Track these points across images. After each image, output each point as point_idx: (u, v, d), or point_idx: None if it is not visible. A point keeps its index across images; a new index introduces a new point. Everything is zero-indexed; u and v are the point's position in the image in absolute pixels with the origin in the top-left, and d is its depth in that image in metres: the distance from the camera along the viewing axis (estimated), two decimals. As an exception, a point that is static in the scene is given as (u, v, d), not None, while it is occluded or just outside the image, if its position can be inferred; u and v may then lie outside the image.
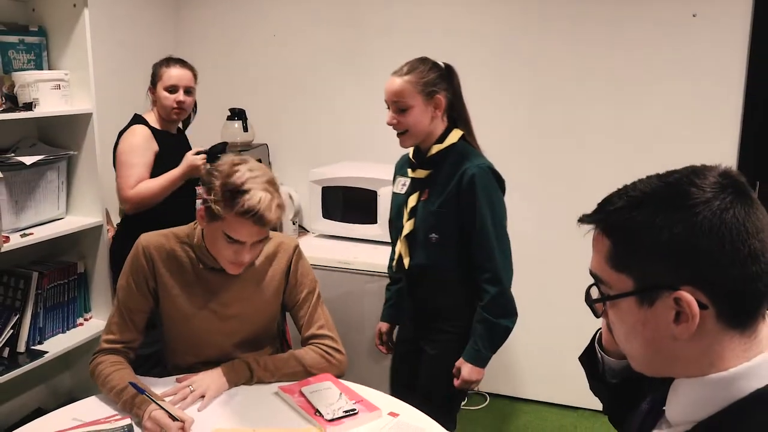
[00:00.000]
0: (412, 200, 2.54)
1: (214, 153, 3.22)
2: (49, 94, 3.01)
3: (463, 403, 3.67)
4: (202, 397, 2.07)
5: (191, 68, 3.47)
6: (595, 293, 1.11)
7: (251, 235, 2.03)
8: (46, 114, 3.05)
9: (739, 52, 3.38)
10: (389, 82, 2.45)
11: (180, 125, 3.57)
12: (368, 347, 3.32)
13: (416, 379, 2.68)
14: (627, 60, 3.56)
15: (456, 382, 2.51)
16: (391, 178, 2.75)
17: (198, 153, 3.23)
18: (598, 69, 3.63)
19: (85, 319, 3.40)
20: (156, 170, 3.24)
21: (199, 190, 3.28)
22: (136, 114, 3.39)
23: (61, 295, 3.27)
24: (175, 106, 3.33)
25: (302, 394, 2.07)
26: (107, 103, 3.46)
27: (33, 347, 3.09)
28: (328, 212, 3.88)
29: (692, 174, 1.00)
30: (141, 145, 3.22)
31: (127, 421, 1.92)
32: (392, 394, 2.20)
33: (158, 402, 1.89)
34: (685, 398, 1.03)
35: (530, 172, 3.78)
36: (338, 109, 4.28)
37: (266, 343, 2.37)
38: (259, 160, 3.99)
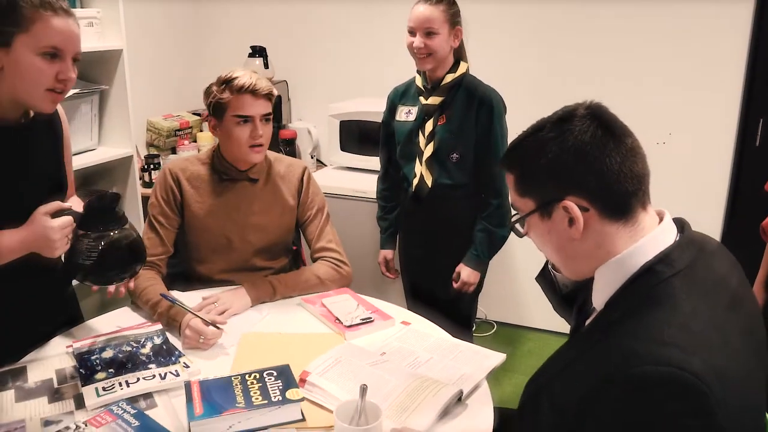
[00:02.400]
0: (429, 125, 2.78)
1: (94, 210, 1.83)
2: (82, 31, 3.14)
3: (472, 330, 3.93)
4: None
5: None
6: None
7: (254, 106, 2.34)
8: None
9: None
10: (420, 9, 2.70)
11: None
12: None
13: (433, 287, 2.99)
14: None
15: (455, 285, 2.84)
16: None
17: (61, 212, 1.79)
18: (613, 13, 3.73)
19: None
20: None
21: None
22: None
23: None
24: (57, 86, 1.77)
25: (323, 305, 2.27)
26: (137, 40, 3.59)
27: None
28: (345, 145, 4.04)
29: (564, 112, 1.29)
30: None
31: (159, 326, 2.08)
32: (410, 307, 2.42)
33: (192, 311, 2.08)
34: (598, 285, 1.30)
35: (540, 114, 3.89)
36: (356, 46, 4.36)
37: (282, 254, 2.61)
38: (279, 97, 4.18)
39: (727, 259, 1.35)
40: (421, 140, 2.82)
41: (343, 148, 4.04)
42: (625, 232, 1.25)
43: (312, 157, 4.34)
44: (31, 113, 1.90)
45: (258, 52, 4.32)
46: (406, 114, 2.90)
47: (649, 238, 1.25)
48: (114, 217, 1.84)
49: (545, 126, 1.30)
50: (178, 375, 1.82)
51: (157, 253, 2.38)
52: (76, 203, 1.95)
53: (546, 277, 1.57)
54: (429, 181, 2.83)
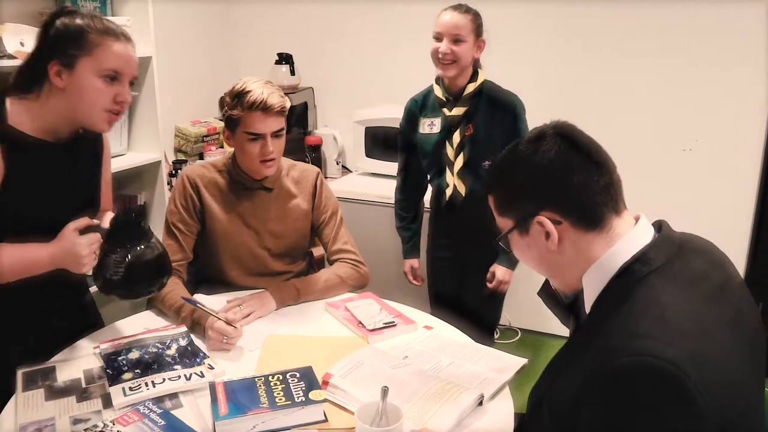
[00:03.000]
0: (457, 136, 2.83)
1: (120, 225, 1.86)
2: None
3: (496, 337, 3.96)
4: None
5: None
6: None
7: (265, 123, 2.32)
8: (111, 57, 3.24)
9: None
10: (449, 16, 2.76)
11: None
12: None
13: (460, 292, 3.08)
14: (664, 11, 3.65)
15: (491, 284, 2.90)
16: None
17: (89, 228, 1.81)
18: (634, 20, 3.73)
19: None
20: (11, 198, 1.82)
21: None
22: None
23: (125, 226, 3.48)
24: (114, 107, 1.84)
25: (347, 309, 2.29)
26: (166, 47, 3.64)
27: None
28: (371, 152, 4.07)
29: (535, 133, 1.36)
30: None
31: (184, 328, 2.11)
32: (433, 312, 2.44)
33: (213, 313, 2.10)
34: (586, 292, 1.34)
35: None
36: (381, 53, 4.39)
37: (300, 257, 2.64)
38: (305, 104, 4.22)
39: (712, 256, 1.39)
40: (450, 151, 2.87)
41: (368, 154, 4.07)
42: (600, 239, 1.32)
43: (337, 163, 4.37)
44: (80, 130, 1.96)
45: (284, 59, 4.36)
46: (430, 126, 2.94)
47: (625, 240, 1.31)
48: (140, 231, 1.88)
49: (518, 147, 1.38)
50: (203, 376, 1.85)
51: (177, 259, 2.40)
52: (108, 218, 1.98)
53: (547, 291, 1.60)
54: (462, 191, 2.88)
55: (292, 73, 4.37)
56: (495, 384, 1.83)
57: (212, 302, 2.24)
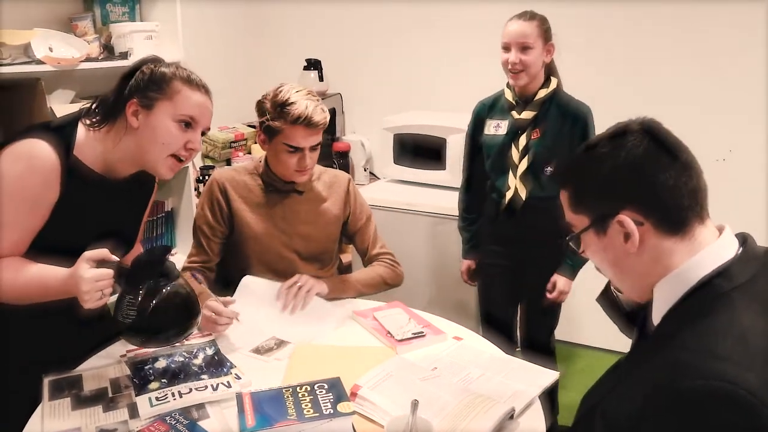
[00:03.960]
0: (523, 139, 2.84)
1: (142, 265, 1.73)
2: (142, 44, 3.20)
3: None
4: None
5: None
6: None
7: (306, 139, 2.32)
8: (140, 62, 3.25)
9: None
10: (515, 25, 2.77)
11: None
12: (437, 283, 3.50)
13: (513, 298, 3.10)
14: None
15: (552, 295, 2.88)
16: (464, 125, 3.03)
17: (103, 262, 1.67)
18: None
19: (172, 254, 3.62)
20: (56, 223, 1.83)
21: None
22: (63, 121, 1.93)
23: (151, 231, 3.51)
24: (183, 153, 1.89)
25: (375, 318, 2.26)
26: (194, 52, 3.64)
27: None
28: (399, 159, 4.04)
29: (618, 128, 1.29)
30: (30, 188, 1.77)
31: (211, 337, 2.10)
32: (485, 318, 2.44)
33: (212, 294, 2.15)
34: (657, 301, 1.27)
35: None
36: (409, 59, 4.37)
37: (329, 263, 2.63)
38: (333, 110, 4.21)
39: None
40: (515, 154, 2.86)
41: (396, 161, 4.04)
42: (682, 246, 1.24)
43: (365, 170, 4.35)
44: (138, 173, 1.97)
45: (313, 65, 4.35)
46: (495, 128, 2.95)
47: (708, 251, 1.23)
48: (163, 272, 1.73)
49: (599, 142, 1.31)
50: (229, 386, 1.83)
51: (199, 260, 2.44)
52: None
53: (608, 298, 1.55)
54: (523, 194, 2.87)
55: (321, 79, 4.36)
56: (526, 397, 1.80)
57: (263, 285, 2.35)
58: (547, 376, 1.92)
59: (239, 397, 1.74)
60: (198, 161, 4.07)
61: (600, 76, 3.81)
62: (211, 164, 4.04)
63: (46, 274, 1.76)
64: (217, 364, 1.94)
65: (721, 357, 1.07)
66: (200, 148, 1.94)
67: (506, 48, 2.78)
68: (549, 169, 2.81)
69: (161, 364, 1.93)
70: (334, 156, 4.18)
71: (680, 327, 1.18)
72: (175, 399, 1.77)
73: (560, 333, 4.16)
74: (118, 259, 1.71)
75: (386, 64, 4.45)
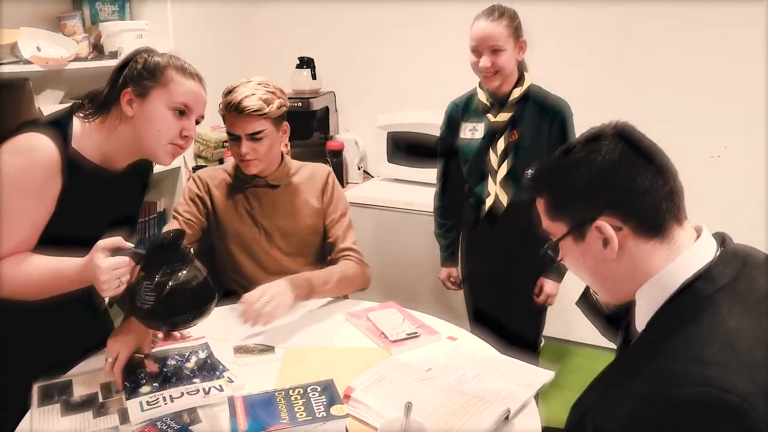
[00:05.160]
0: (501, 143, 2.73)
1: (156, 250, 1.72)
2: (132, 43, 3.17)
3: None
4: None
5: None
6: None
7: (239, 125, 2.36)
8: (130, 62, 3.23)
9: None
10: (484, 27, 2.61)
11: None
12: (431, 283, 3.48)
13: (500, 308, 2.98)
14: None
15: (540, 299, 2.84)
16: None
17: (118, 250, 1.67)
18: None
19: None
20: (60, 216, 1.84)
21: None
22: (57, 115, 1.93)
23: (143, 231, 3.50)
24: (179, 141, 1.90)
25: (369, 319, 2.24)
26: (185, 51, 3.61)
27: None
28: (393, 157, 4.02)
29: (592, 132, 1.28)
30: (34, 181, 1.76)
31: (203, 340, 2.07)
32: (473, 330, 2.39)
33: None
34: (639, 307, 1.26)
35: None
36: (403, 57, 4.35)
37: (314, 258, 2.62)
38: (327, 107, 4.19)
39: None
40: (494, 159, 2.76)
41: (390, 160, 4.03)
42: (661, 250, 1.24)
43: (359, 169, 4.33)
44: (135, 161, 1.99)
45: (306, 63, 4.33)
46: (471, 131, 2.83)
47: (688, 254, 1.23)
48: (178, 257, 1.72)
49: (573, 148, 1.29)
50: (221, 390, 1.81)
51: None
52: None
53: (588, 301, 1.54)
54: (504, 201, 2.78)
55: (314, 77, 4.33)
56: (521, 398, 1.78)
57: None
58: (541, 376, 1.91)
59: (231, 401, 1.71)
60: (191, 161, 4.04)
61: (593, 70, 3.80)
62: (203, 164, 4.02)
63: (61, 267, 1.75)
64: (210, 368, 1.92)
65: (709, 363, 1.06)
66: (195, 135, 1.95)
67: (475, 51, 2.65)
68: (530, 171, 2.73)
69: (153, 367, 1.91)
70: (328, 155, 4.16)
71: (666, 334, 1.17)
72: (166, 403, 1.75)
73: (553, 331, 4.18)
74: (133, 246, 1.70)
75: (380, 63, 4.43)
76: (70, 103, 1.97)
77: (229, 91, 2.37)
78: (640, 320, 1.27)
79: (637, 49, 3.69)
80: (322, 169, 2.64)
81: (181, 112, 1.88)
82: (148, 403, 1.74)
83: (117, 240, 1.69)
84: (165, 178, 3.56)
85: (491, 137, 2.76)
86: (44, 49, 2.89)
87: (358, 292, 2.54)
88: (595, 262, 1.29)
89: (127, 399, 1.76)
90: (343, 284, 2.44)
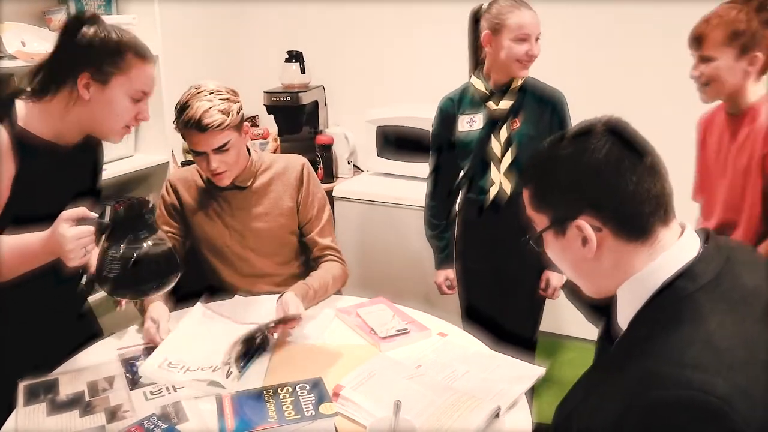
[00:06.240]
0: (504, 131, 2.71)
1: (121, 219, 1.73)
2: (118, 37, 3.16)
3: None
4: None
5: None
6: None
7: (202, 143, 2.24)
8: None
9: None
10: (532, 14, 2.61)
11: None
12: (421, 278, 3.47)
13: (497, 301, 2.94)
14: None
15: (548, 292, 2.83)
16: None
17: (81, 221, 1.68)
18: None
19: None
20: (18, 196, 1.81)
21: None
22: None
23: (133, 227, 3.45)
24: (133, 123, 1.92)
25: (358, 315, 2.23)
26: (173, 46, 3.59)
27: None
28: (383, 151, 4.00)
29: (582, 127, 1.25)
30: None
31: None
32: (467, 318, 2.38)
33: None
34: (620, 305, 1.25)
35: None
36: (393, 51, 4.31)
37: (292, 258, 2.57)
38: (316, 102, 4.16)
39: (760, 267, 1.28)
40: (497, 147, 2.72)
41: (380, 154, 4.01)
42: (643, 250, 1.21)
43: (349, 163, 4.31)
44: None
45: (295, 57, 4.30)
46: (470, 123, 2.78)
47: (670, 253, 1.20)
48: (142, 226, 1.74)
49: (562, 141, 1.27)
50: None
51: None
52: None
53: (571, 287, 1.52)
54: (508, 189, 2.74)
55: (303, 71, 4.30)
56: (512, 395, 1.77)
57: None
58: (532, 373, 1.90)
59: (219, 400, 1.71)
60: (179, 157, 4.02)
61: (590, 69, 3.79)
62: (192, 159, 3.99)
63: (25, 242, 1.72)
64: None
65: (689, 365, 1.04)
66: (149, 117, 1.92)
67: (523, 39, 2.60)
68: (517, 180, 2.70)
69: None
70: (318, 149, 4.14)
71: (647, 334, 1.15)
72: (170, 393, 1.77)
73: (546, 325, 4.15)
74: (97, 216, 1.69)
75: (369, 56, 4.41)
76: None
77: (183, 107, 2.23)
78: (622, 318, 1.26)
79: (637, 49, 3.67)
80: (296, 162, 2.55)
81: (139, 98, 1.86)
82: (152, 393, 1.80)
83: (81, 210, 1.68)
84: (153, 173, 3.54)
85: (491, 126, 2.73)
86: (29, 44, 2.86)
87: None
88: (574, 258, 1.28)
89: (131, 389, 1.83)
90: (333, 288, 2.45)
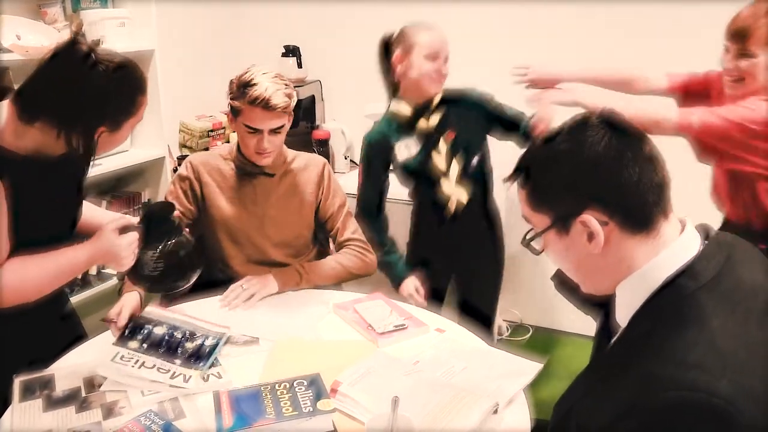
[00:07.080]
0: (443, 144, 2.69)
1: (153, 222, 1.91)
2: (114, 31, 3.14)
3: (506, 334, 3.90)
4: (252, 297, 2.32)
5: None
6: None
7: (264, 121, 2.30)
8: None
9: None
10: (439, 35, 2.67)
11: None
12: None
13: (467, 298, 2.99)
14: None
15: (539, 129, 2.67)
16: None
17: (125, 229, 1.83)
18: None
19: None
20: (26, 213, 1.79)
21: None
22: None
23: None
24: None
25: (356, 311, 2.22)
26: (169, 40, 3.58)
27: (103, 270, 3.30)
28: (380, 146, 3.97)
29: (576, 121, 1.23)
30: None
31: (226, 328, 2.07)
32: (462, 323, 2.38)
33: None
34: (620, 302, 1.24)
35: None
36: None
37: (304, 250, 2.60)
38: (312, 97, 4.15)
39: (761, 263, 1.27)
40: (440, 163, 2.69)
41: (377, 149, 3.98)
42: (647, 244, 1.20)
43: (345, 158, 4.31)
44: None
45: (291, 51, 4.29)
46: (407, 149, 2.75)
47: (671, 250, 1.19)
48: (171, 226, 1.94)
49: (557, 136, 1.24)
50: (187, 381, 1.79)
51: None
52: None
53: (561, 278, 1.50)
54: (464, 198, 2.73)
55: (299, 65, 4.30)
56: (510, 391, 1.76)
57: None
58: (530, 368, 1.89)
59: (216, 396, 1.70)
60: (175, 151, 4.01)
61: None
62: (188, 154, 3.98)
63: (68, 258, 1.79)
64: (197, 357, 1.90)
65: (693, 366, 1.04)
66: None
67: (434, 57, 2.62)
68: (476, 159, 2.71)
69: (160, 330, 1.99)
70: (314, 144, 4.13)
71: (649, 333, 1.14)
72: (138, 368, 1.81)
73: (540, 320, 4.17)
74: (137, 222, 1.87)
75: (366, 51, 4.37)
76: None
77: (248, 83, 2.27)
78: (621, 315, 1.25)
79: (633, 49, 3.67)
80: (318, 160, 2.60)
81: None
82: (122, 357, 1.84)
83: (124, 219, 1.86)
84: (149, 168, 3.53)
85: (428, 144, 2.70)
86: (24, 37, 2.84)
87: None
88: (579, 256, 1.25)
89: (113, 343, 1.91)
90: (336, 274, 2.48)
